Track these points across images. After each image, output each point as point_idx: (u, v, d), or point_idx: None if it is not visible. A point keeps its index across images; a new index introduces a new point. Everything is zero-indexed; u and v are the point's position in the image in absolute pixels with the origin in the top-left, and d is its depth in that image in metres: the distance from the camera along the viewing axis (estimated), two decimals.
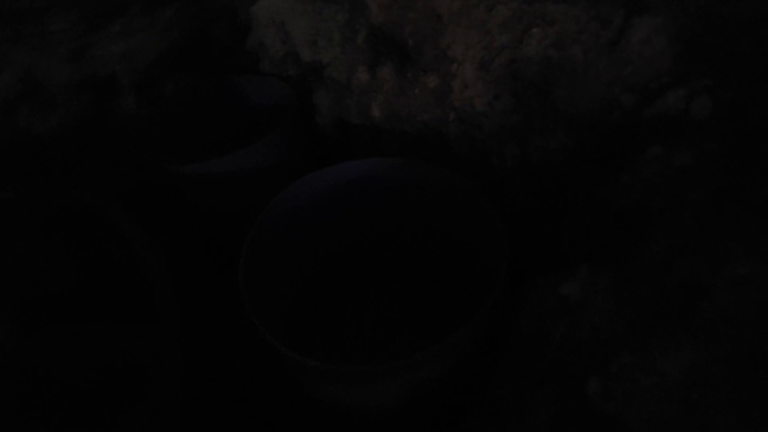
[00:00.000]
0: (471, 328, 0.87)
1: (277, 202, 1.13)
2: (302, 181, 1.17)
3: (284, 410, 1.24)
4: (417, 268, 1.42)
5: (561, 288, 0.82)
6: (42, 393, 0.94)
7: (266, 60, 1.52)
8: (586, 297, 0.76)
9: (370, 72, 1.24)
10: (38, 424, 0.91)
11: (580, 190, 0.96)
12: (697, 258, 0.65)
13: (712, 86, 0.78)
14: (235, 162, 1.29)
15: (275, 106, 1.56)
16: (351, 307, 1.40)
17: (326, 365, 0.85)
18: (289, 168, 1.40)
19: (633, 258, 0.72)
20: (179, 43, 1.47)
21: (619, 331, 0.66)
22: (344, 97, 1.34)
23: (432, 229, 1.31)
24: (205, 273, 1.50)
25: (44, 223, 1.14)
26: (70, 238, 1.13)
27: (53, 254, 1.10)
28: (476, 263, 1.18)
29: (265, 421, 1.23)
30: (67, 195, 1.16)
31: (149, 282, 1.08)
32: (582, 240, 0.90)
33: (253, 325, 0.90)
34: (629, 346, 0.64)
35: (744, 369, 0.55)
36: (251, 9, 1.48)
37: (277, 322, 1.17)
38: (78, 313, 1.04)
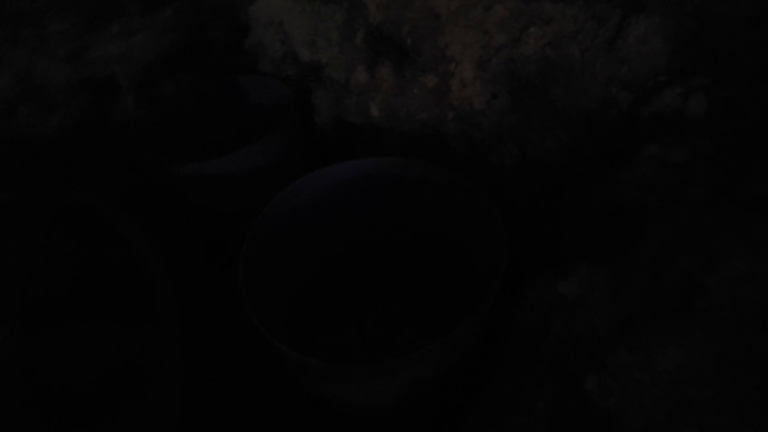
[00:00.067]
0: (469, 328, 0.88)
1: (277, 202, 1.13)
2: (302, 180, 1.17)
3: (284, 410, 1.25)
4: (417, 268, 1.42)
5: (559, 286, 0.82)
6: (42, 393, 0.94)
7: (265, 60, 1.52)
8: (584, 295, 0.76)
9: (368, 72, 1.24)
10: (38, 424, 0.91)
11: (578, 188, 0.97)
12: (693, 255, 0.65)
13: (708, 84, 0.78)
14: (234, 162, 1.29)
15: (274, 106, 1.56)
16: (351, 307, 1.40)
17: (326, 364, 0.86)
18: (289, 168, 1.40)
19: (630, 256, 0.73)
20: (178, 44, 1.47)
21: (617, 329, 0.67)
22: (343, 96, 1.34)
23: (432, 228, 1.31)
24: (205, 273, 1.51)
25: (44, 223, 1.14)
26: (70, 238, 1.13)
27: (53, 254, 1.10)
28: (476, 263, 1.19)
29: (265, 421, 1.23)
30: (67, 195, 1.17)
31: (149, 282, 1.08)
32: (580, 238, 0.90)
33: (253, 325, 0.90)
34: (626, 344, 0.64)
35: (739, 365, 0.55)
36: (250, 9, 1.48)
37: (277, 322, 1.17)
38: (78, 313, 1.04)
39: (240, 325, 1.15)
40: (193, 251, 1.52)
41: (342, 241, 1.37)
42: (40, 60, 1.25)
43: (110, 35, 1.35)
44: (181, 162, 1.28)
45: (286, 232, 1.18)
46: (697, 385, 0.56)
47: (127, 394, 0.98)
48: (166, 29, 1.45)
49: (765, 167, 0.68)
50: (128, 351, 1.05)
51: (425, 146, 1.26)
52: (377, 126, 1.31)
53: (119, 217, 1.15)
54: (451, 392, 1.06)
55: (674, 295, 0.64)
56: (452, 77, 1.13)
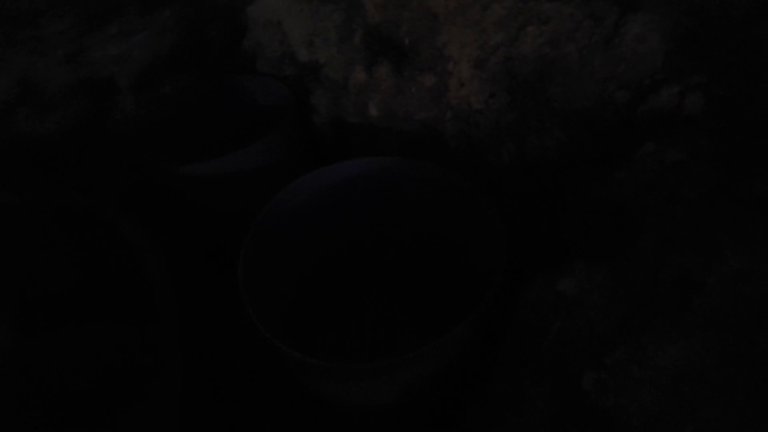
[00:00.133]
0: (468, 327, 0.88)
1: (276, 202, 1.14)
2: (301, 180, 1.17)
3: (284, 410, 1.25)
4: (416, 268, 1.42)
5: (558, 285, 0.82)
6: (42, 393, 0.94)
7: (263, 60, 1.52)
8: (583, 294, 0.76)
9: (366, 71, 1.25)
10: (38, 424, 0.92)
11: (577, 187, 0.97)
12: (691, 254, 0.65)
13: (705, 83, 0.78)
14: (234, 162, 1.29)
15: (273, 107, 1.57)
16: (351, 307, 1.40)
17: (326, 364, 0.86)
18: (288, 168, 1.40)
19: (629, 255, 0.73)
20: (177, 44, 1.47)
21: (614, 326, 0.67)
22: (341, 96, 1.35)
23: (431, 228, 1.31)
24: (205, 273, 1.51)
25: (44, 223, 1.14)
26: (70, 238, 1.13)
27: (53, 254, 1.10)
28: (475, 262, 1.19)
29: (265, 421, 1.24)
30: (67, 196, 1.17)
31: (149, 282, 1.08)
32: (579, 237, 0.90)
33: (253, 325, 0.90)
34: (624, 341, 0.64)
35: (737, 363, 0.55)
36: (248, 9, 1.48)
37: (277, 322, 1.17)
38: (78, 313, 1.05)
39: (240, 325, 1.15)
40: (193, 251, 1.52)
41: (341, 240, 1.38)
42: (39, 61, 1.25)
43: (109, 36, 1.35)
44: (181, 162, 1.28)
45: (285, 232, 1.18)
46: (696, 383, 0.56)
47: (127, 394, 0.98)
48: (165, 30, 1.45)
49: (763, 166, 0.68)
50: (128, 351, 1.05)
51: (424, 146, 1.27)
52: (376, 126, 1.31)
53: (119, 217, 1.15)
54: (451, 392, 1.06)
55: (672, 293, 0.65)
56: (450, 76, 1.13)
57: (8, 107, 1.25)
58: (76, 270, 1.10)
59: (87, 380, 0.98)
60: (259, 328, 0.89)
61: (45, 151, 1.30)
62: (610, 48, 0.90)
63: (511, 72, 1.03)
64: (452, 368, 0.97)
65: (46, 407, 0.94)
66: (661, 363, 0.59)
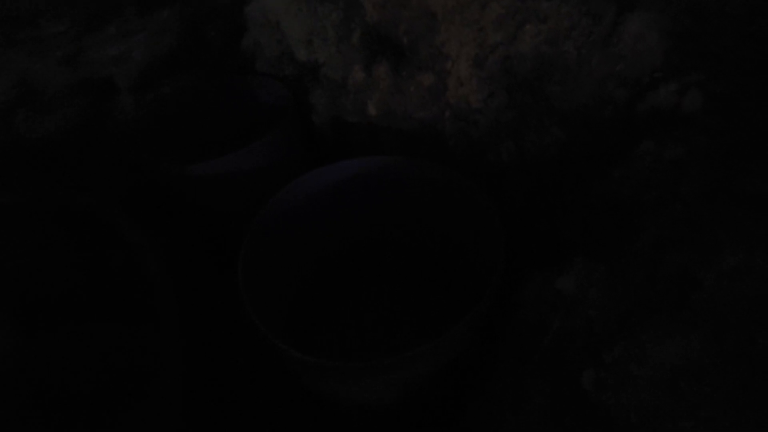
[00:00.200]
0: (468, 326, 0.88)
1: (275, 202, 1.14)
2: (300, 180, 1.17)
3: (284, 409, 1.25)
4: (416, 267, 1.42)
5: (557, 283, 0.83)
6: (42, 393, 0.94)
7: (262, 60, 1.53)
8: (581, 291, 0.76)
9: (365, 71, 1.25)
10: (38, 425, 0.92)
11: (576, 185, 0.97)
12: (689, 251, 0.65)
13: (703, 80, 0.78)
14: (233, 162, 1.29)
15: (273, 106, 1.57)
16: (351, 307, 1.40)
17: (326, 363, 0.86)
18: (288, 167, 1.40)
19: (626, 251, 0.73)
20: (176, 45, 1.47)
21: (613, 324, 0.67)
22: (340, 96, 1.35)
23: (430, 227, 1.31)
24: (205, 273, 1.51)
25: (44, 224, 1.14)
26: (70, 238, 1.14)
27: (53, 255, 1.10)
28: (474, 261, 1.19)
29: (265, 421, 1.24)
30: (67, 196, 1.17)
31: (149, 282, 1.08)
32: (578, 235, 0.90)
33: (253, 325, 0.90)
34: (622, 338, 0.64)
35: (734, 360, 0.55)
36: (246, 9, 1.48)
37: (277, 322, 1.17)
38: (78, 313, 1.05)
39: (240, 325, 1.15)
40: (193, 251, 1.53)
41: (341, 240, 1.38)
42: (37, 63, 1.25)
43: (108, 36, 1.35)
44: (181, 162, 1.28)
45: (285, 232, 1.18)
46: (693, 380, 0.56)
47: (128, 394, 0.99)
48: (164, 30, 1.45)
49: (760, 163, 0.68)
50: (128, 351, 1.05)
51: (423, 145, 1.27)
52: (375, 125, 1.31)
53: (119, 217, 1.15)
54: (450, 390, 1.06)
55: (670, 290, 0.65)
56: (449, 75, 1.13)
57: (8, 108, 1.25)
58: (76, 270, 1.10)
59: (87, 380, 0.99)
60: (260, 327, 0.89)
61: (45, 152, 1.31)
62: (609, 46, 0.90)
63: (510, 71, 1.03)
64: (452, 367, 0.97)
65: (47, 407, 0.94)
66: (660, 361, 0.59)
